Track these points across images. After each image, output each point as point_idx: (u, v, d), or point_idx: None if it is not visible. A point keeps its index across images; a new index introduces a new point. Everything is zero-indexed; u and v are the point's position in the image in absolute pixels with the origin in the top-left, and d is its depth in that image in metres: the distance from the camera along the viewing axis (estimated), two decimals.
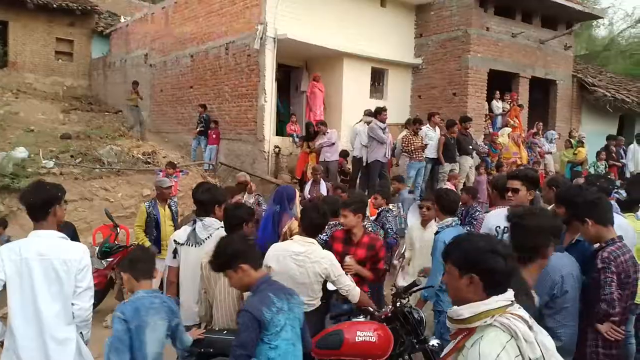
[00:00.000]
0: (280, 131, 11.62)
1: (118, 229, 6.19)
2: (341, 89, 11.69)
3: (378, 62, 12.19)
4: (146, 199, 7.29)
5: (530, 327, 1.67)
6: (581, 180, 6.55)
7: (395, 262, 5.63)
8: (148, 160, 9.76)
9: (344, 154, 10.13)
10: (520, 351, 1.62)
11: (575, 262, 2.77)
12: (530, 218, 2.37)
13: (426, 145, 9.27)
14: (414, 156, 9.19)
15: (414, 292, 3.50)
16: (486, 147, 10.36)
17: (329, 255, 3.46)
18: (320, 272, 3.34)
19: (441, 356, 1.90)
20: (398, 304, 3.45)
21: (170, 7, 13.93)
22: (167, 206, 5.85)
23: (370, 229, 4.79)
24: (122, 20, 18.22)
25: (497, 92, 12.28)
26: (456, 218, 4.11)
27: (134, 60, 16.01)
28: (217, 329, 3.28)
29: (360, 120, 10.35)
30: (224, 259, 2.62)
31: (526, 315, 1.70)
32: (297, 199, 4.90)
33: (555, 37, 13.04)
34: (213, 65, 12.20)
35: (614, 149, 12.02)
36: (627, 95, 14.39)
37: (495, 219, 3.55)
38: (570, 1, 13.00)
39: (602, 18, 16.81)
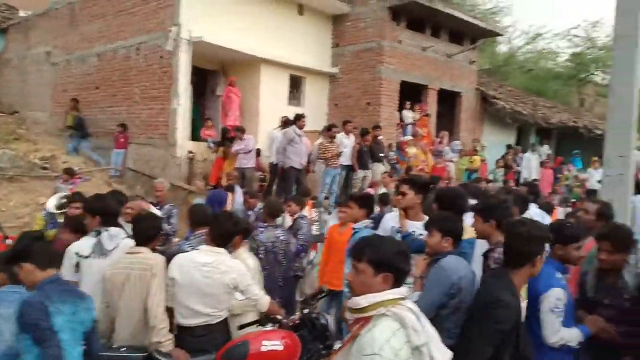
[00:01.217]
0: (195, 136, 11.31)
1: (7, 240, 5.66)
2: (258, 95, 11.62)
3: (296, 69, 12.26)
4: (42, 208, 6.74)
5: (417, 318, 1.87)
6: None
7: (307, 268, 5.66)
8: (45, 165, 9.06)
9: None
10: (409, 339, 1.82)
11: (468, 265, 2.95)
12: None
13: (341, 152, 9.47)
14: (330, 163, 9.35)
15: (321, 298, 3.54)
16: (395, 154, 10.79)
17: (238, 265, 3.42)
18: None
19: (340, 344, 2.10)
20: (306, 310, 3.47)
21: (77, 2, 13.09)
22: None
23: (282, 237, 4.77)
24: (22, 14, 16.80)
25: (408, 102, 12.83)
26: (371, 220, 4.28)
27: (35, 57, 14.82)
28: (114, 346, 3.13)
29: (278, 126, 10.37)
30: (9, 255, 2.67)
31: (415, 308, 1.92)
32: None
33: (461, 51, 13.90)
34: (122, 66, 11.61)
35: (510, 157, 13.02)
36: (523, 107, 15.66)
37: (392, 220, 3.78)
38: (475, 19, 13.93)
39: (502, 35, 18.20)
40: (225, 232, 3.40)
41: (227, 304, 3.39)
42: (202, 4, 10.38)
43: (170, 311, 3.26)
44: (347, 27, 12.76)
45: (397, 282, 1.93)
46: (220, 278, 3.25)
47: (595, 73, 24.06)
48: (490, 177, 11.93)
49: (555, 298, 2.80)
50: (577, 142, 16.62)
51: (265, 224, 4.91)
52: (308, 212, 7.22)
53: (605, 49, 22.17)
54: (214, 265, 3.26)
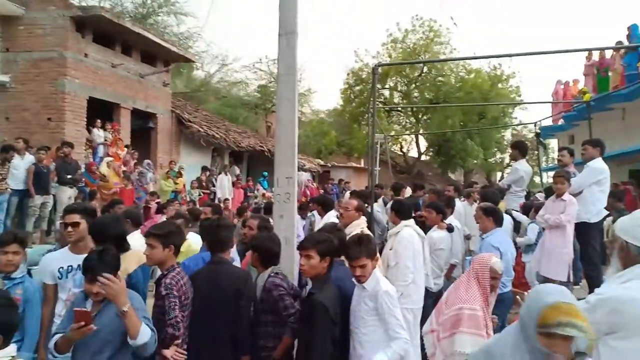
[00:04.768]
0: None
1: None
2: None
3: None
4: None
5: None
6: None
7: None
8: None
9: None
10: None
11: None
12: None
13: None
14: None
15: None
16: (83, 176, 9.89)
17: None
18: None
19: None
20: None
21: None
22: None
23: None
24: None
25: (99, 120, 11.98)
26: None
27: None
28: None
29: None
30: None
31: None
32: None
33: (154, 73, 13.85)
34: None
35: (205, 178, 13.63)
36: (217, 131, 16.63)
37: (56, 260, 3.27)
38: (167, 42, 14.08)
39: (194, 62, 18.99)
40: None
41: None
42: None
43: None
44: (21, 32, 11.15)
45: (6, 342, 1.82)
46: None
47: None
48: (187, 197, 12.19)
49: None
50: (264, 164, 18.64)
51: None
52: None
53: None
54: None
